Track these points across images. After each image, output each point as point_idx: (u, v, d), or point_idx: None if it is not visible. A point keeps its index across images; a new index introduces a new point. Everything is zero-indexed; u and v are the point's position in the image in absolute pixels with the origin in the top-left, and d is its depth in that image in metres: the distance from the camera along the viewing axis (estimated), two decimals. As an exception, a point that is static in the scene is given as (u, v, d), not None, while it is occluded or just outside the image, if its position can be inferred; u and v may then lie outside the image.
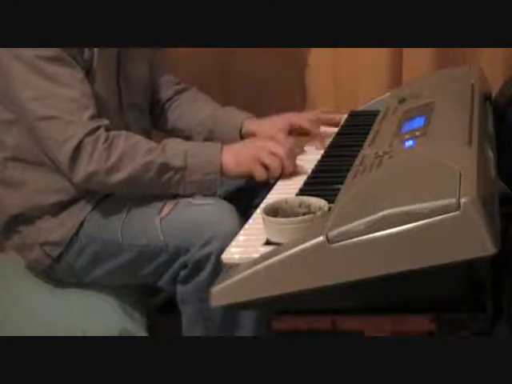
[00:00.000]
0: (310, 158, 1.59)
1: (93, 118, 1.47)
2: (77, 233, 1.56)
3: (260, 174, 1.49)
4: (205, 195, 1.51)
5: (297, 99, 2.17)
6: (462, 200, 0.96)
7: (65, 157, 1.45)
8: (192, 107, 1.79)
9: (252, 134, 1.69)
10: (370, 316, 1.11)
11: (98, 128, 1.46)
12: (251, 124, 1.72)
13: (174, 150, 1.49)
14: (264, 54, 2.07)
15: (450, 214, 0.96)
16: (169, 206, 1.51)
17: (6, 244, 1.70)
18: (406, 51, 2.06)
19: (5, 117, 1.53)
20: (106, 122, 1.49)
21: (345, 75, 2.12)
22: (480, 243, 0.96)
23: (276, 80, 2.14)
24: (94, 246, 1.55)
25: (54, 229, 1.56)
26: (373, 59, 2.06)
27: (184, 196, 1.52)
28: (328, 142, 1.68)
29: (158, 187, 1.50)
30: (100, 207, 1.56)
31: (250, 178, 1.52)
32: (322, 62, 2.12)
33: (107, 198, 1.57)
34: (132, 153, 1.47)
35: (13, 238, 1.63)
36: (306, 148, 1.67)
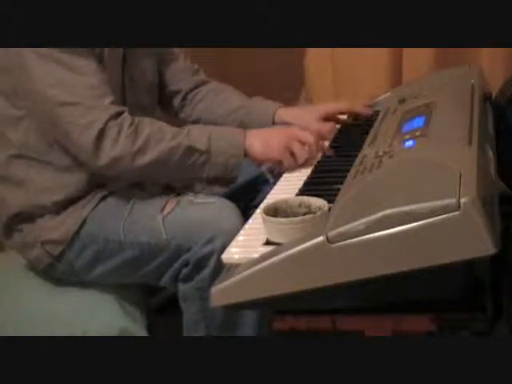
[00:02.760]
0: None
1: (114, 103, 1.48)
2: (78, 231, 1.55)
3: (289, 163, 1.51)
4: (208, 193, 1.53)
5: (297, 99, 2.17)
6: (462, 200, 0.96)
7: (88, 141, 1.44)
8: (219, 98, 1.79)
9: (285, 123, 1.70)
10: (370, 316, 1.11)
11: (121, 112, 1.47)
12: (285, 113, 1.73)
13: (199, 134, 1.50)
14: (264, 53, 2.06)
15: (449, 214, 0.96)
16: (171, 204, 1.51)
17: (7, 243, 1.70)
18: (406, 51, 2.06)
19: (12, 113, 1.53)
20: (126, 108, 1.49)
21: (345, 75, 2.12)
22: (480, 243, 0.96)
23: (276, 80, 2.14)
24: (96, 245, 1.55)
25: (56, 227, 1.56)
26: (373, 59, 2.06)
27: (186, 193, 1.53)
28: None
29: (183, 170, 1.51)
30: (102, 206, 1.56)
31: (276, 163, 1.53)
32: (322, 62, 2.12)
33: (109, 197, 1.57)
34: (158, 137, 1.47)
35: (14, 237, 1.63)
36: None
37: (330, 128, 1.61)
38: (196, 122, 1.79)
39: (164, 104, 1.80)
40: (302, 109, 1.75)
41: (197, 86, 1.81)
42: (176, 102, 1.80)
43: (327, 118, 1.72)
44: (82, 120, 1.45)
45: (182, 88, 1.80)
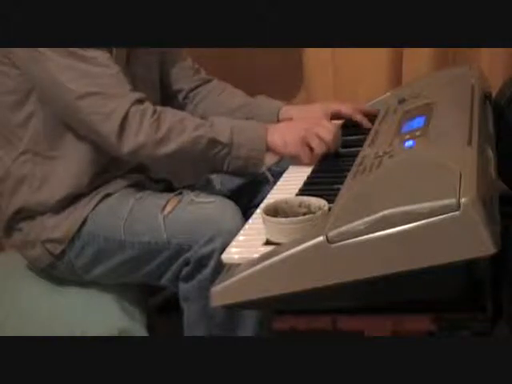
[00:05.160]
0: None
1: (133, 90, 1.48)
2: (79, 230, 1.55)
3: (306, 157, 1.52)
4: (209, 193, 1.54)
5: (297, 99, 2.17)
6: (462, 200, 0.96)
7: (112, 129, 1.44)
8: (221, 97, 1.79)
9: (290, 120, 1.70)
10: (370, 316, 1.11)
11: (143, 100, 1.48)
12: (290, 111, 1.73)
13: (222, 126, 1.51)
14: (264, 53, 2.07)
15: (449, 214, 0.96)
16: (172, 204, 1.51)
17: (7, 242, 1.70)
18: (406, 51, 2.06)
19: (19, 115, 1.53)
20: (146, 95, 1.50)
21: (345, 75, 2.12)
22: (480, 243, 0.96)
23: (276, 80, 2.14)
24: (96, 244, 1.55)
25: (56, 226, 1.56)
26: (373, 59, 2.06)
27: (187, 193, 1.53)
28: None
29: (204, 162, 1.51)
30: (103, 205, 1.56)
31: (295, 157, 1.54)
32: (322, 62, 2.12)
33: (110, 196, 1.57)
34: (181, 126, 1.48)
35: (14, 236, 1.63)
36: None
37: (328, 124, 1.60)
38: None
39: (165, 104, 1.80)
40: (308, 106, 1.74)
41: (198, 85, 1.81)
42: (177, 101, 1.80)
43: (332, 117, 1.72)
44: (103, 109, 1.45)
45: (183, 87, 1.80)
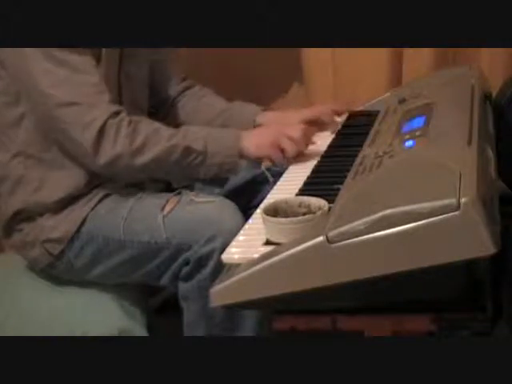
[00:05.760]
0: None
1: (112, 101, 1.50)
2: (78, 230, 1.56)
3: (278, 157, 1.55)
4: (208, 193, 1.56)
5: (297, 99, 2.17)
6: (462, 200, 0.96)
7: (88, 140, 1.46)
8: (202, 103, 1.81)
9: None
10: (370, 316, 1.11)
11: (119, 112, 1.49)
12: (265, 117, 1.76)
13: (196, 135, 1.53)
14: (264, 53, 2.06)
15: (449, 214, 0.96)
16: (171, 204, 1.52)
17: (7, 243, 1.70)
18: (406, 51, 2.06)
19: (11, 115, 1.54)
20: (123, 107, 1.51)
21: (345, 75, 2.12)
22: (480, 243, 0.96)
23: (276, 80, 2.14)
24: (96, 244, 1.55)
25: (56, 226, 1.56)
26: (373, 59, 2.06)
27: (187, 192, 1.54)
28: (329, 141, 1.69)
29: (179, 170, 1.53)
30: (102, 205, 1.57)
31: (268, 159, 1.58)
32: (322, 62, 2.12)
33: (109, 196, 1.58)
34: (156, 137, 1.50)
35: (14, 236, 1.63)
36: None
37: (311, 131, 1.62)
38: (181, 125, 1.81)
39: (151, 111, 1.81)
40: (284, 112, 1.76)
41: (181, 92, 1.83)
42: (163, 108, 1.82)
43: (309, 122, 1.73)
44: (80, 120, 1.46)
45: (170, 95, 1.82)
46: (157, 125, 1.53)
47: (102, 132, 1.46)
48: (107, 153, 1.47)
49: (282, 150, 1.54)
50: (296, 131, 1.56)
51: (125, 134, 1.47)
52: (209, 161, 1.52)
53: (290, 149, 1.54)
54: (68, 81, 1.47)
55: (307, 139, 1.59)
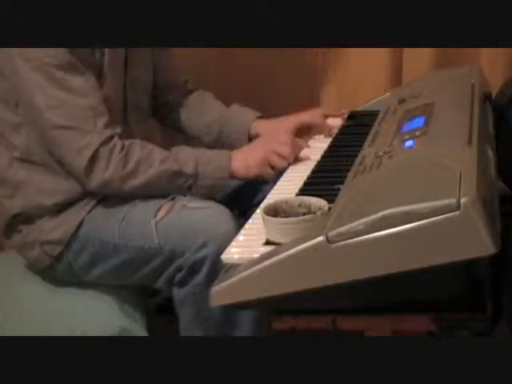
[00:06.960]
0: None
1: (107, 125, 1.50)
2: (76, 232, 1.56)
3: (268, 175, 1.58)
4: (201, 198, 1.55)
5: (297, 99, 2.16)
6: (462, 200, 0.96)
7: (80, 165, 1.48)
8: (200, 109, 1.82)
9: (260, 135, 1.73)
10: (370, 316, 1.11)
11: (112, 137, 1.50)
12: (259, 125, 1.76)
13: (187, 158, 1.54)
14: (264, 54, 2.06)
15: (449, 214, 0.96)
16: (165, 209, 1.52)
17: (7, 243, 1.71)
18: (406, 51, 2.06)
19: (12, 119, 1.54)
20: (119, 130, 1.52)
21: (345, 75, 2.12)
22: (480, 243, 0.96)
23: (276, 80, 2.14)
24: (92, 246, 1.56)
25: (55, 228, 1.57)
26: (373, 59, 2.06)
27: (181, 197, 1.55)
28: (329, 140, 1.70)
29: (170, 192, 1.55)
30: (99, 208, 1.57)
31: (259, 177, 1.59)
32: (322, 62, 2.12)
33: (106, 200, 1.58)
34: (148, 162, 1.51)
35: (14, 237, 1.63)
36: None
37: (286, 139, 1.62)
38: (179, 130, 1.84)
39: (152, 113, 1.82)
40: (276, 120, 1.76)
41: (182, 96, 1.83)
42: (163, 112, 1.83)
43: (300, 129, 1.73)
44: (74, 145, 1.48)
45: (170, 99, 1.82)
46: (150, 148, 1.54)
47: (94, 158, 1.47)
48: (98, 178, 1.49)
49: (272, 167, 1.56)
50: (284, 146, 1.57)
51: (117, 160, 1.48)
52: (199, 183, 1.54)
53: (280, 164, 1.56)
54: (66, 104, 1.47)
55: (297, 150, 1.61)
